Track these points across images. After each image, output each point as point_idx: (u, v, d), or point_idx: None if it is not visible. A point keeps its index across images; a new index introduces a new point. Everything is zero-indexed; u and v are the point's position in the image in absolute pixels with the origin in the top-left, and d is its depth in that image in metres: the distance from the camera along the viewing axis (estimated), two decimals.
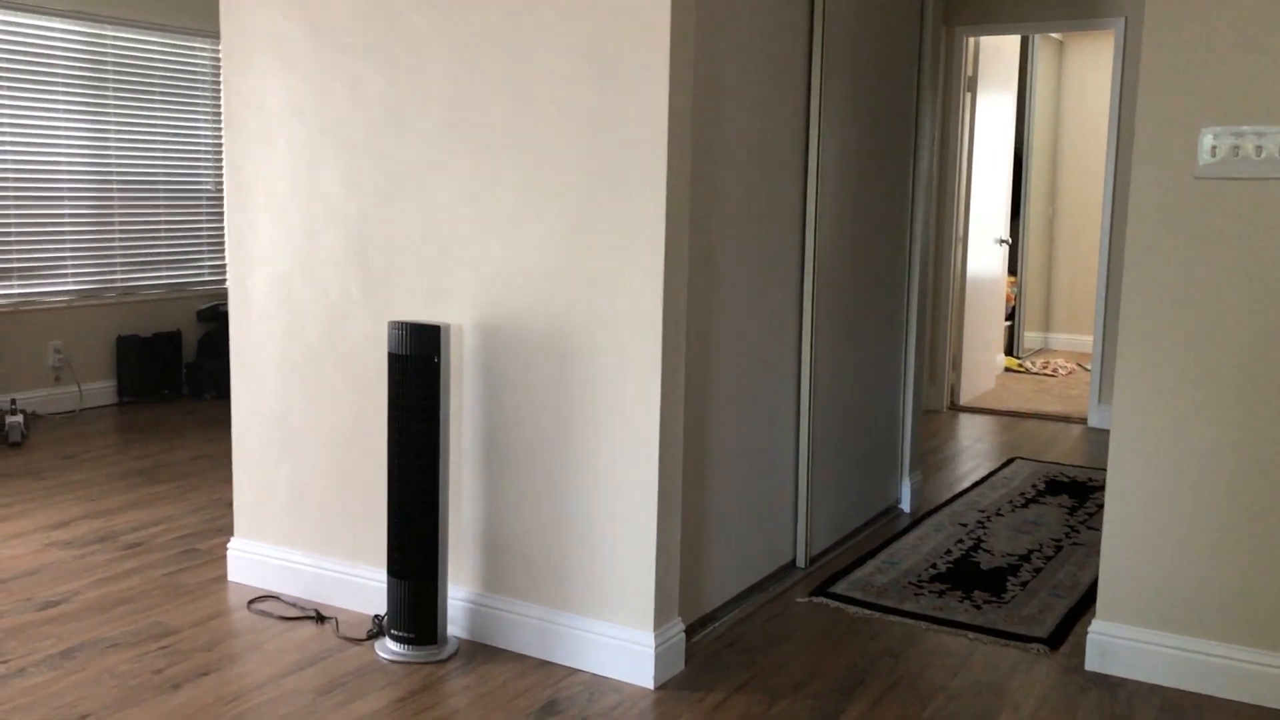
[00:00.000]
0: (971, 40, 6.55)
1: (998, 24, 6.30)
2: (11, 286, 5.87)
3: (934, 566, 3.83)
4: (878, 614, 3.40)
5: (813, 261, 3.63)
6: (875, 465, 4.35)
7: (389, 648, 3.04)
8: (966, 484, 4.97)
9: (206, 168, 6.81)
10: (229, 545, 3.61)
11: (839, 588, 3.60)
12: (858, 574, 3.73)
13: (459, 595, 3.16)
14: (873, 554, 3.94)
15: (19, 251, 5.89)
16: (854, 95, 3.86)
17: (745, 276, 3.31)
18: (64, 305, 6.12)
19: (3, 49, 5.74)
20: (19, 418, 5.36)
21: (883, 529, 4.27)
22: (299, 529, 3.45)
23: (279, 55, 3.31)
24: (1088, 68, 8.90)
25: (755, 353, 3.42)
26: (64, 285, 6.13)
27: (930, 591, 3.59)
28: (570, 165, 2.87)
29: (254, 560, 3.53)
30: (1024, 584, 3.68)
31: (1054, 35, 8.73)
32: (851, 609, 3.44)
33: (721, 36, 3.06)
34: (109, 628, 3.18)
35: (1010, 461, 5.39)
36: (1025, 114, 8.51)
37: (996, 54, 6.92)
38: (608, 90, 2.80)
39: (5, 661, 2.95)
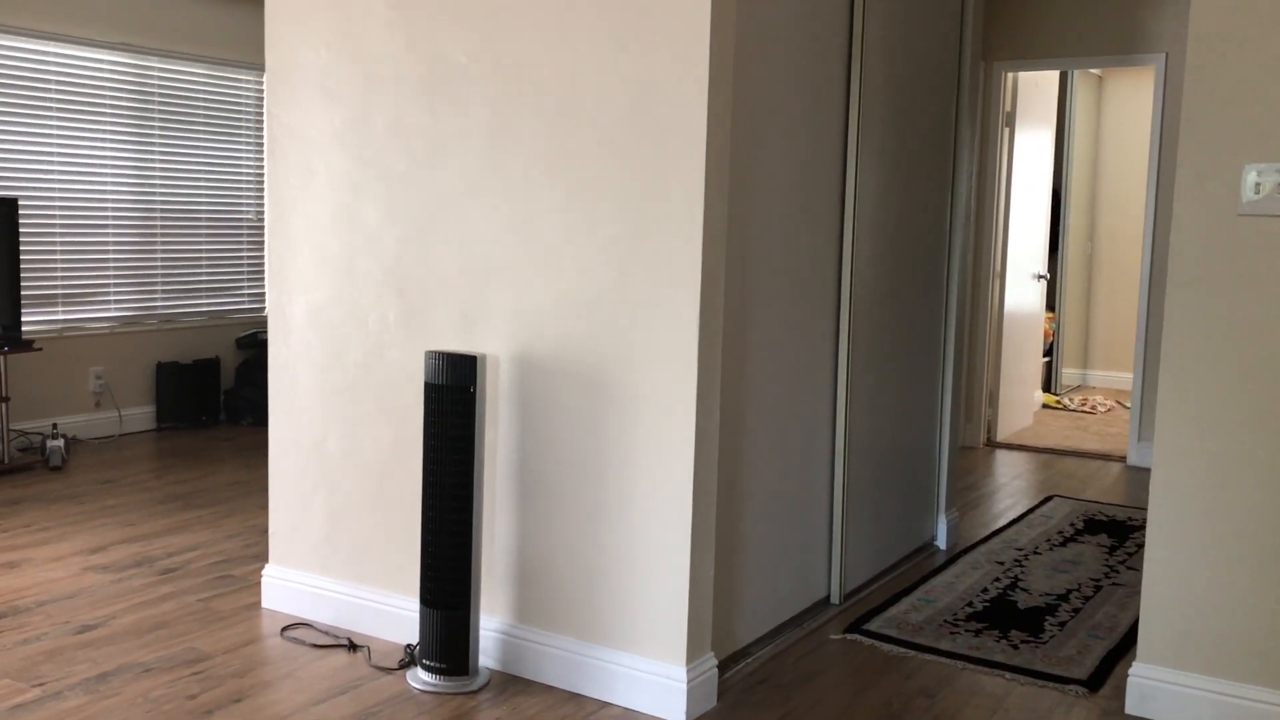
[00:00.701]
0: (1010, 75, 6.54)
1: (1036, 59, 6.29)
2: (56, 313, 5.97)
3: (970, 605, 3.78)
4: (913, 652, 3.35)
5: (849, 295, 3.62)
6: (911, 501, 4.31)
7: (420, 677, 3.03)
8: (1003, 522, 4.91)
9: (247, 197, 6.91)
10: (263, 572, 3.62)
11: (874, 625, 3.56)
12: (893, 611, 3.69)
13: (491, 626, 3.15)
14: (908, 591, 3.90)
15: (64, 278, 5.99)
16: (892, 129, 3.86)
17: (781, 309, 3.31)
18: (106, 332, 6.21)
19: (54, 80, 5.86)
20: (60, 442, 5.43)
21: (918, 566, 4.22)
22: (333, 557, 3.46)
23: (322, 87, 3.35)
24: (1128, 103, 8.85)
25: (790, 386, 3.40)
26: (106, 312, 6.22)
27: (966, 630, 3.54)
28: (607, 197, 2.89)
29: (288, 587, 3.54)
30: (1062, 624, 3.62)
31: (1093, 71, 8.70)
32: (886, 647, 3.39)
33: (760, 70, 3.07)
34: (144, 652, 3.20)
35: (1048, 499, 5.33)
36: (1064, 149, 8.47)
37: (1035, 89, 6.90)
38: (646, 122, 2.81)
39: (41, 684, 2.97)
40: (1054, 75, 7.25)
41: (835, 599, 3.74)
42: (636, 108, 2.82)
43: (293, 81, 3.42)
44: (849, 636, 3.47)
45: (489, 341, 3.11)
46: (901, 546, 4.26)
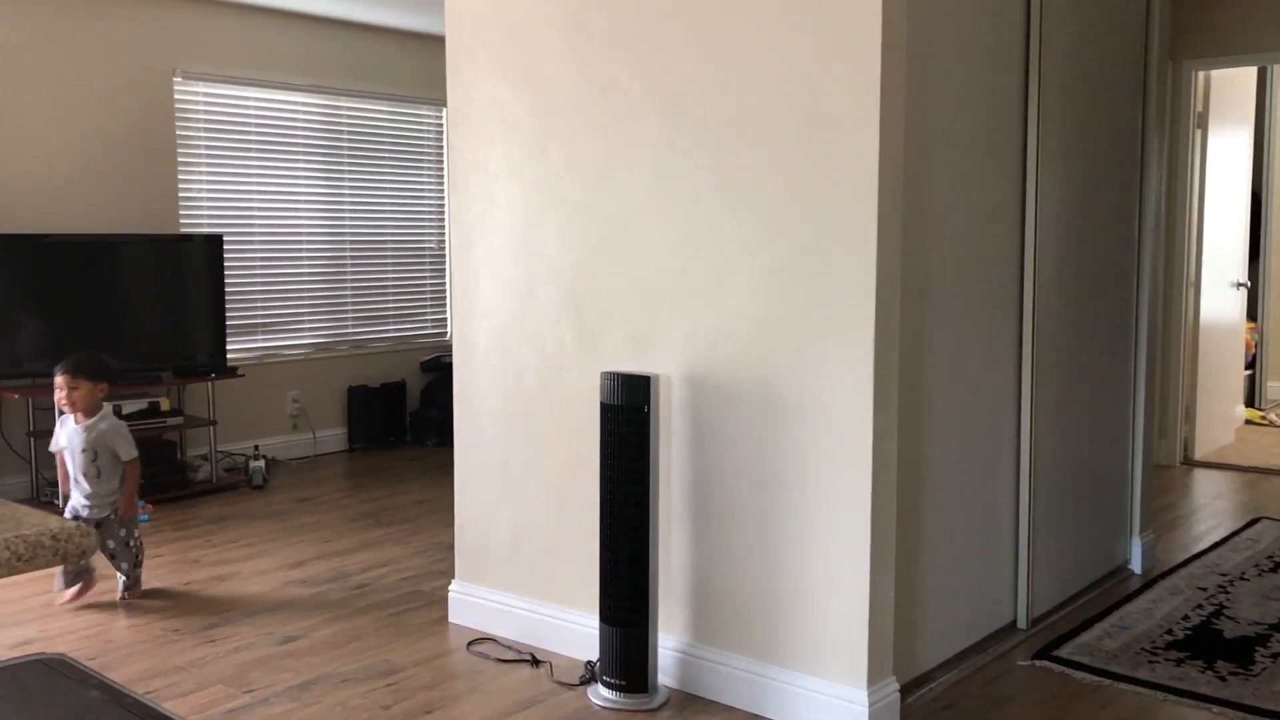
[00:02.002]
0: (1201, 74, 6.21)
1: (1230, 56, 5.95)
2: (257, 340, 6.36)
3: (1170, 633, 3.58)
4: (1107, 681, 3.20)
5: (1032, 308, 3.50)
6: (1102, 523, 4.12)
7: (601, 694, 3.08)
8: (1204, 545, 4.64)
9: (430, 227, 7.20)
10: (450, 588, 3.75)
11: (1064, 651, 3.42)
12: (1085, 637, 3.53)
13: (669, 644, 3.18)
14: (1100, 616, 3.73)
15: (263, 308, 6.38)
16: (1074, 135, 3.73)
17: (960, 324, 3.23)
18: (301, 358, 6.57)
19: (254, 123, 6.27)
20: (261, 463, 5.77)
21: (1111, 591, 4.03)
22: (516, 573, 3.55)
23: (500, 121, 3.48)
24: None
25: (971, 401, 3.31)
26: (301, 339, 6.59)
27: (1166, 660, 3.36)
28: (778, 217, 2.89)
29: (473, 603, 3.66)
30: (1275, 656, 3.39)
31: None
32: (1078, 674, 3.25)
33: (934, 78, 3.02)
34: (341, 663, 3.36)
35: (1255, 521, 5.00)
36: (1264, 149, 7.96)
37: (1230, 87, 6.53)
38: (816, 142, 2.80)
39: (250, 691, 3.16)
40: (1250, 71, 6.84)
41: (1022, 624, 3.61)
42: (806, 125, 2.82)
43: (472, 115, 3.55)
44: (1038, 663, 3.34)
45: (663, 362, 3.15)
46: (1092, 570, 4.07)
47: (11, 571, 1.29)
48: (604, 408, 3.04)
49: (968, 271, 3.25)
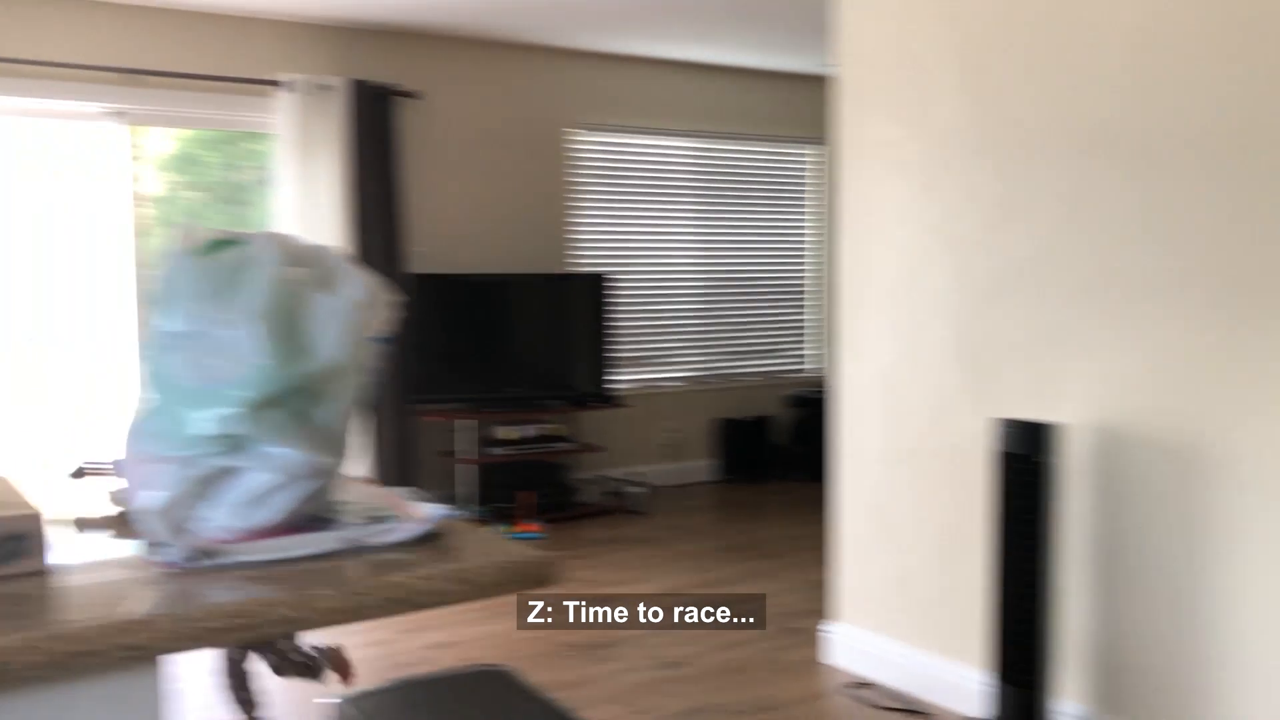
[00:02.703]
0: None
1: None
2: (638, 373, 6.69)
3: None
4: None
5: None
6: None
7: None
8: None
9: (799, 264, 7.28)
10: (824, 628, 3.75)
11: None
12: None
13: (1067, 709, 3.00)
14: None
15: (642, 341, 6.71)
16: None
17: None
18: (676, 390, 6.84)
19: (636, 166, 6.63)
20: (641, 490, 6.05)
21: None
22: (896, 620, 3.49)
23: (889, 159, 3.46)
24: None
25: None
26: (677, 372, 6.86)
27: None
28: (1208, 251, 2.66)
29: (848, 645, 3.63)
30: None
31: None
32: None
33: None
34: (723, 694, 3.44)
35: None
36: None
37: None
38: (1254, 168, 2.57)
39: (643, 713, 3.30)
40: None
41: None
42: (1240, 150, 2.59)
43: (860, 155, 3.56)
44: None
45: (1063, 409, 2.99)
46: None
47: (485, 595, 1.42)
48: (1000, 456, 2.93)
49: None
